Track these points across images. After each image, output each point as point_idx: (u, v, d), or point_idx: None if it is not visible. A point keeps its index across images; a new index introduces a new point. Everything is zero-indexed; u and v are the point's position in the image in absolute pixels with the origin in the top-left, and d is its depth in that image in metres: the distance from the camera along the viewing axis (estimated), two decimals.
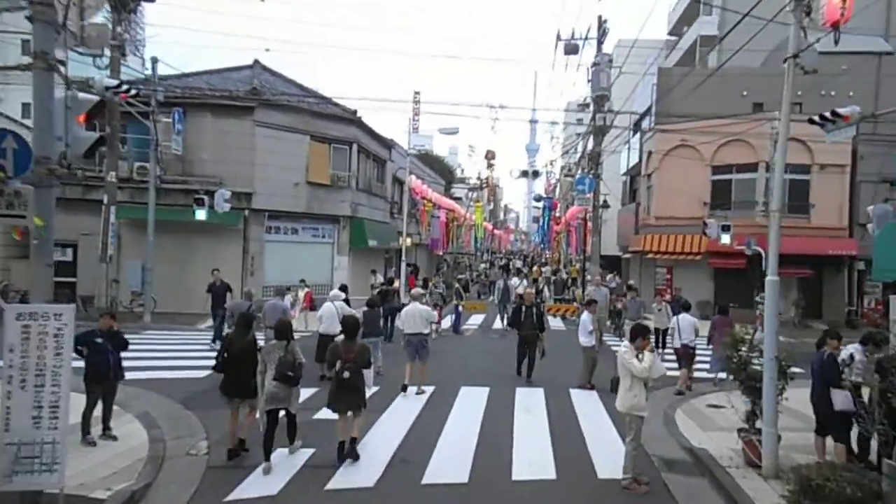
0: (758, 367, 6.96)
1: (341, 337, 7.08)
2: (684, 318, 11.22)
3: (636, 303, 15.33)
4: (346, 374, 6.49)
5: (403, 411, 8.89)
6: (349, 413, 6.66)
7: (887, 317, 9.32)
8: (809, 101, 23.08)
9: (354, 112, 21.82)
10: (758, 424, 6.82)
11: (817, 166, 21.32)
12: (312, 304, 17.05)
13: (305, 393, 7.98)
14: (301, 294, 17.37)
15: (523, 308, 11.45)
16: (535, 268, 35.98)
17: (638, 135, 28.34)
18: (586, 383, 10.80)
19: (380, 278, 23.04)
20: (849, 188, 21.36)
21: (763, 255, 20.28)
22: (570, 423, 8.56)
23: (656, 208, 23.93)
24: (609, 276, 24.47)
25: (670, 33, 41.55)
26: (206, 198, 16.68)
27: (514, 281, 18.17)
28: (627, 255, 26.80)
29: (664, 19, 47.20)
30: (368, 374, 7.10)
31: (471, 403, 9.43)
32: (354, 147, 21.96)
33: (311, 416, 7.93)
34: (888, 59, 24.34)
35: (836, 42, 6.64)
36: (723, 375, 10.12)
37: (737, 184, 22.08)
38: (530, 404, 9.44)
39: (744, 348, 7.32)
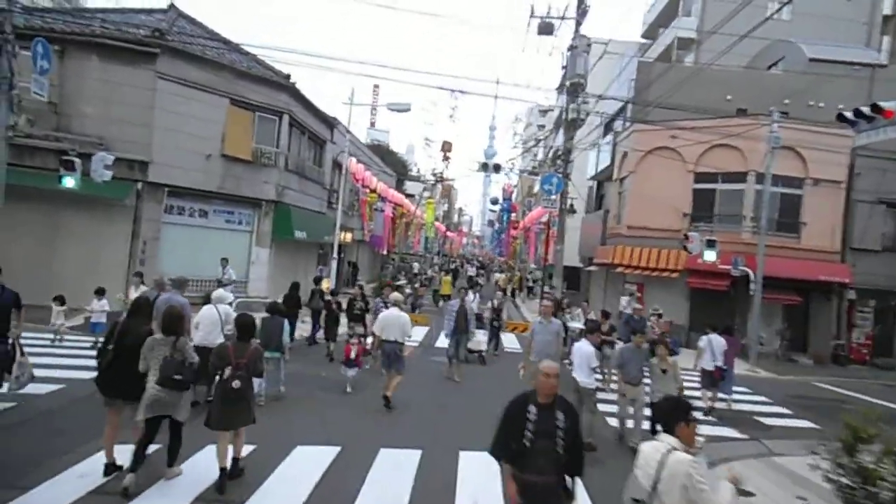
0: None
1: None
2: (717, 338, 11.03)
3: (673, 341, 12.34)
4: (236, 384, 5.57)
5: (295, 480, 5.88)
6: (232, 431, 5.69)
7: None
8: (797, 110, 21.01)
9: (287, 76, 18.24)
10: None
11: (811, 180, 19.02)
12: None
13: None
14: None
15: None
16: (500, 275, 32.95)
17: (610, 135, 25.72)
18: (589, 441, 7.71)
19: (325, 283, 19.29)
20: (843, 207, 19.15)
21: (752, 276, 17.91)
22: None
23: (629, 217, 21.25)
24: (627, 299, 19.08)
25: (644, 36, 39.47)
26: (77, 161, 12.79)
27: (470, 297, 13.19)
28: (592, 268, 24.07)
29: (636, 23, 45.32)
30: (258, 383, 6.48)
31: (389, 478, 6.17)
32: (286, 119, 18.37)
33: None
34: (880, 71, 22.48)
35: None
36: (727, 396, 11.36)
37: (722, 195, 19.58)
38: (483, 485, 6.19)
39: (866, 456, 4.13)
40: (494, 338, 14.73)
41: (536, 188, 57.41)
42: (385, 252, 31.11)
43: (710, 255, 17.23)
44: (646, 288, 20.62)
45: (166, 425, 5.51)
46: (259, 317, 8.28)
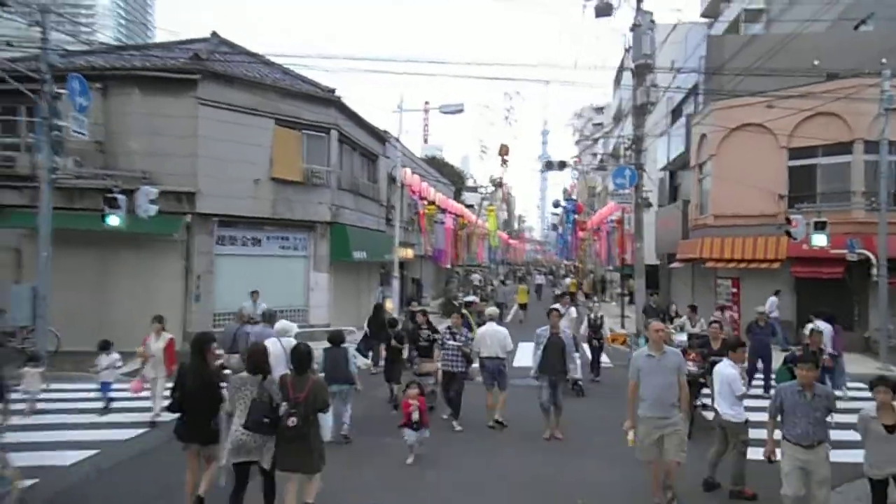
0: None
1: None
2: (825, 326, 10.52)
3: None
4: (292, 421, 4.91)
5: None
6: (300, 475, 5.17)
7: None
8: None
9: (332, 90, 17.33)
10: None
11: None
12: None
13: None
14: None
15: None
16: (569, 280, 31.01)
17: (682, 119, 23.62)
18: (741, 488, 6.15)
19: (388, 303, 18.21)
20: None
21: (873, 259, 15.53)
22: None
23: (715, 205, 19.12)
24: (772, 300, 16.45)
25: (704, 15, 36.87)
26: (121, 197, 12.19)
27: (565, 325, 9.70)
28: (675, 265, 21.95)
29: (694, 4, 42.75)
30: (326, 420, 6.12)
31: None
32: (334, 135, 17.46)
33: None
34: None
35: None
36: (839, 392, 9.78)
37: (824, 170, 17.22)
38: None
39: None
40: (594, 361, 12.41)
41: (599, 187, 55.12)
42: (449, 266, 29.86)
43: (819, 240, 14.99)
44: (742, 283, 18.44)
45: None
46: (320, 347, 7.73)
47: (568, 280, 31.61)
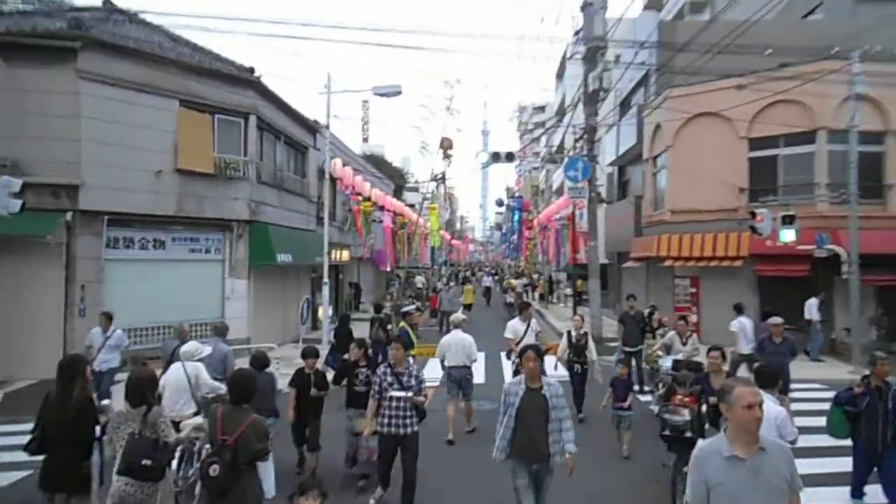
0: None
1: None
2: (748, 321, 11.03)
3: None
4: (214, 470, 3.87)
5: None
6: None
7: None
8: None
9: (251, 69, 15.07)
10: None
11: (892, 134, 15.71)
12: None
13: None
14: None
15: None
16: (517, 281, 29.39)
17: (633, 110, 22.49)
18: None
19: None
20: None
21: (843, 255, 14.58)
22: None
23: (672, 199, 17.94)
24: (815, 301, 15.17)
25: (648, 7, 36.31)
26: None
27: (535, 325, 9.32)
28: (629, 264, 20.75)
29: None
30: (267, 471, 4.57)
31: None
32: (252, 121, 15.19)
33: None
34: None
35: None
36: None
37: (787, 161, 16.25)
38: None
39: None
40: (578, 393, 9.16)
41: (542, 184, 54.27)
42: (388, 268, 27.82)
43: (787, 235, 13.90)
44: (701, 282, 17.31)
45: None
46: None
47: (516, 281, 30.07)
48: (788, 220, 13.93)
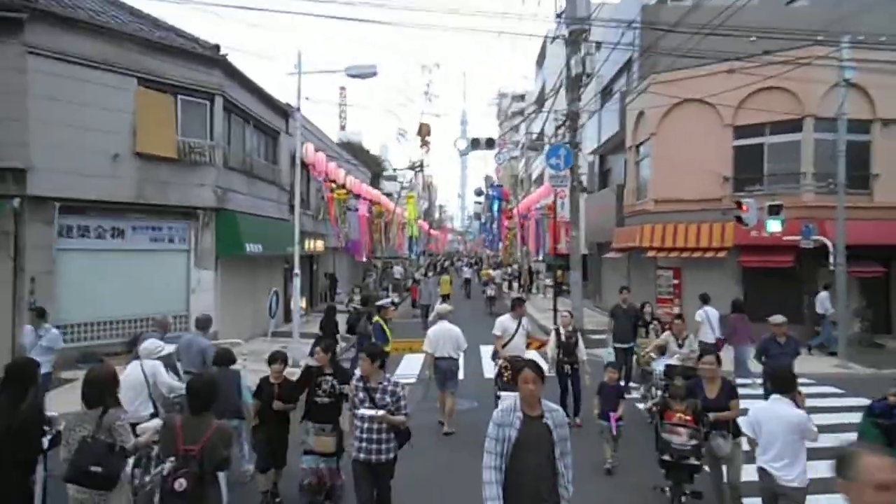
0: None
1: None
2: (713, 310, 11.33)
3: None
4: (180, 484, 3.57)
5: None
6: None
7: None
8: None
9: (216, 47, 14.20)
10: None
11: (879, 122, 15.45)
12: None
13: None
14: None
15: None
16: (496, 272, 28.81)
17: (615, 98, 22.04)
18: None
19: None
20: None
21: (830, 247, 14.29)
22: None
23: (655, 188, 17.54)
24: (822, 299, 14.76)
25: None
26: None
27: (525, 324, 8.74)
28: (610, 254, 20.35)
29: None
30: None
31: None
32: (219, 102, 14.33)
33: None
34: None
35: None
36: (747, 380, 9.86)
37: (772, 149, 15.92)
38: None
39: None
40: (574, 396, 8.58)
41: (522, 173, 53.81)
42: (364, 258, 27.10)
43: (774, 226, 13.62)
44: (683, 273, 16.97)
45: None
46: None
47: (495, 272, 29.57)
48: (775, 211, 13.63)
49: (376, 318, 9.60)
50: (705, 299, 11.69)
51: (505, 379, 7.23)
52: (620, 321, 10.38)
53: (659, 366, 8.03)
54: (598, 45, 19.02)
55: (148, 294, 13.16)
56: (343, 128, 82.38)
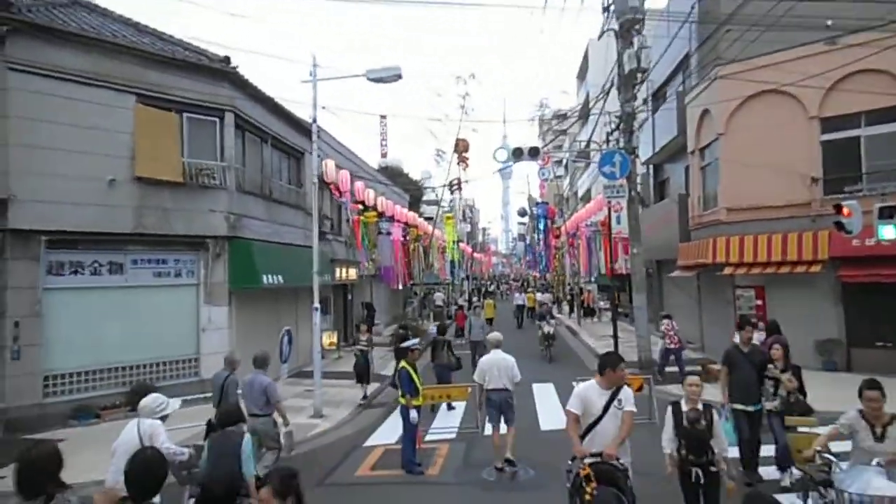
0: None
1: None
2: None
3: None
4: None
5: None
6: None
7: None
8: None
9: (226, 59, 12.83)
10: None
11: None
12: None
13: None
14: None
15: None
16: (545, 295, 26.52)
17: (670, 100, 19.84)
18: None
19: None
20: None
21: None
22: None
23: (727, 195, 15.20)
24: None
25: None
26: None
27: None
28: (676, 273, 17.97)
29: None
30: None
31: None
32: (230, 119, 12.91)
33: None
34: None
35: None
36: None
37: (871, 143, 13.45)
38: None
39: None
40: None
41: (567, 191, 51.48)
42: (399, 286, 25.31)
43: (888, 231, 11.13)
44: (769, 292, 14.51)
45: None
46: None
47: (542, 295, 27.32)
48: (888, 213, 11.16)
49: (402, 363, 7.72)
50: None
51: (586, 498, 4.40)
52: (742, 371, 6.92)
53: (853, 481, 4.33)
54: (640, 48, 16.93)
55: (152, 336, 11.68)
56: (384, 155, 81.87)
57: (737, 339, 7.20)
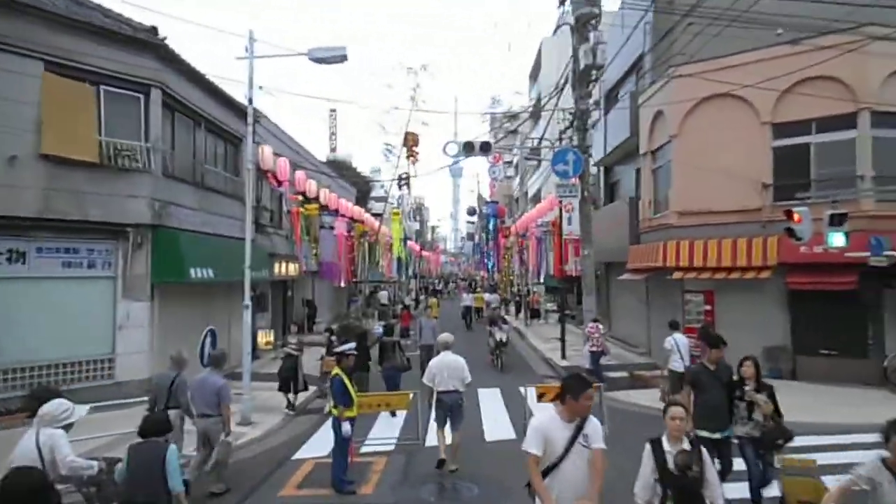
0: None
1: None
2: (682, 338, 11.00)
3: None
4: None
5: None
6: None
7: None
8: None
9: (153, 29, 11.67)
10: None
11: None
12: None
13: None
14: None
15: None
16: (493, 296, 26.00)
17: (622, 102, 19.67)
18: None
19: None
20: None
21: None
22: None
23: (679, 199, 15.04)
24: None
25: None
26: None
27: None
28: (625, 276, 17.75)
29: None
30: None
31: None
32: (157, 96, 11.74)
33: None
34: None
35: None
36: None
37: (820, 150, 13.46)
38: None
39: None
40: None
41: (517, 192, 51.43)
42: (343, 283, 24.34)
43: (838, 239, 11.14)
44: (718, 297, 14.40)
45: None
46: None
47: (489, 296, 26.86)
48: (838, 221, 11.13)
49: (335, 370, 6.93)
50: (674, 326, 11.47)
51: None
52: (708, 393, 6.03)
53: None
54: (595, 48, 16.61)
55: (59, 333, 10.46)
56: (334, 150, 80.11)
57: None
